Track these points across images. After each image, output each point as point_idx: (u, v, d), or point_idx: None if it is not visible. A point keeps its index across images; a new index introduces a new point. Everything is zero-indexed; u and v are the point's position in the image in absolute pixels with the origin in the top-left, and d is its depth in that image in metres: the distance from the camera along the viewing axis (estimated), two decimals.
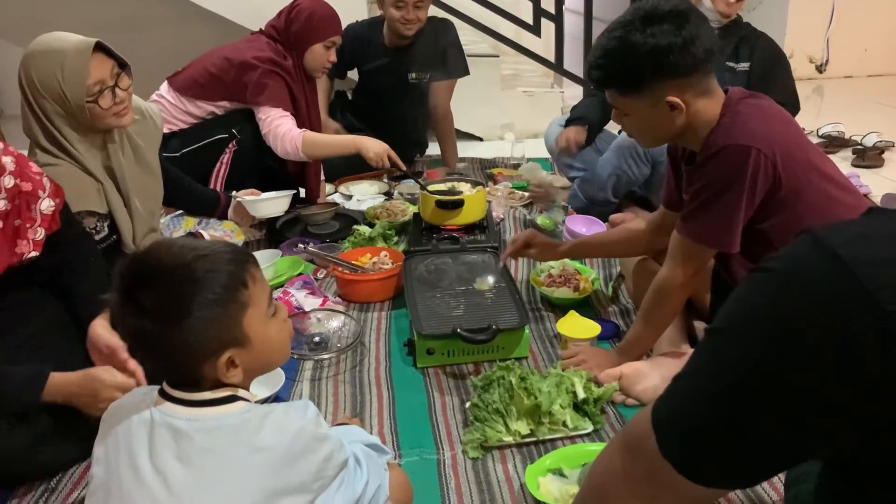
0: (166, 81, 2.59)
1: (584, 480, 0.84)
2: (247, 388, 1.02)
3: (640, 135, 1.56)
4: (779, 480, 1.33)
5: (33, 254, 1.46)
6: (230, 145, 2.53)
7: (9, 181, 1.41)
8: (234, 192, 2.36)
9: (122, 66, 1.77)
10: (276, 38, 2.56)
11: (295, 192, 2.46)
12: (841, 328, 0.55)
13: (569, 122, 2.81)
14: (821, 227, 0.59)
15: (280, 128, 2.47)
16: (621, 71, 1.43)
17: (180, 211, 2.38)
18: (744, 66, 2.58)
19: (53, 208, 1.50)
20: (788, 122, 1.48)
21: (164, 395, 0.98)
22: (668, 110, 1.44)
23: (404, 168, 2.57)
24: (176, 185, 2.15)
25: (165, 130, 2.51)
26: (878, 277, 0.54)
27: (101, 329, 1.45)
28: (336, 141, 2.65)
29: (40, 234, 1.48)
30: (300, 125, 2.54)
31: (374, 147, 2.49)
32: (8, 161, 1.42)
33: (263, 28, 2.61)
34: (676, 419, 0.67)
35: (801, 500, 0.99)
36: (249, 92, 2.47)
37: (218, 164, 2.54)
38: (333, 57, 2.61)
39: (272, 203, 2.34)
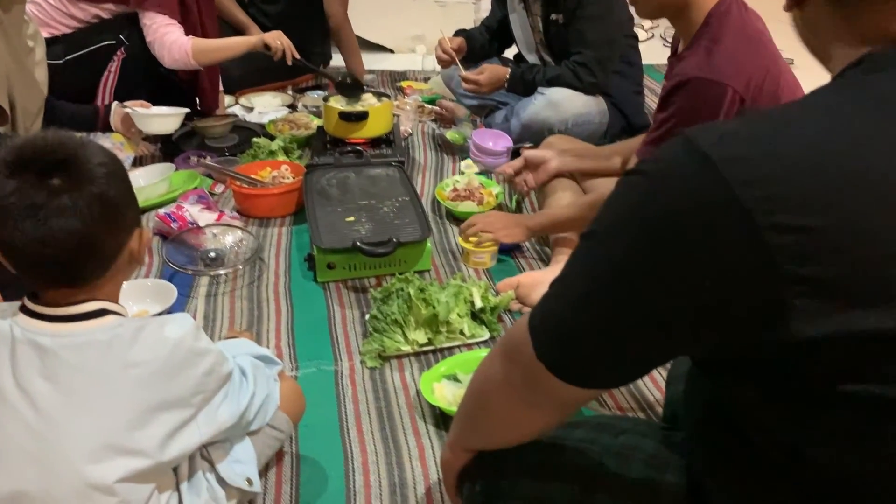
0: None
1: (468, 386, 0.84)
2: (116, 301, 0.96)
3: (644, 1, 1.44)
4: (661, 377, 1.40)
5: None
6: (118, 52, 2.34)
7: None
8: (117, 102, 2.19)
9: None
10: None
11: (188, 110, 2.29)
12: (705, 226, 0.55)
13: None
14: (692, 129, 0.59)
15: (167, 36, 2.29)
16: None
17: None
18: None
19: None
20: (768, 45, 1.42)
21: (26, 312, 0.92)
22: None
23: (302, 61, 2.44)
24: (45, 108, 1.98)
25: (46, 35, 2.30)
26: (741, 174, 0.54)
27: None
28: (227, 43, 2.45)
29: None
30: (192, 27, 2.37)
31: (268, 35, 2.37)
32: None
33: None
34: (550, 322, 0.67)
35: (677, 399, 1.04)
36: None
37: (105, 74, 2.35)
38: None
39: (162, 120, 2.18)
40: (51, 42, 2.28)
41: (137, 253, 0.95)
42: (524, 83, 2.42)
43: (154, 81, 2.44)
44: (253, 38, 2.40)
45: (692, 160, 0.57)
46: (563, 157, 1.92)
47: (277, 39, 2.37)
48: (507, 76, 2.42)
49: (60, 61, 2.28)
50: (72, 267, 0.89)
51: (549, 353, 0.66)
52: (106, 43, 2.32)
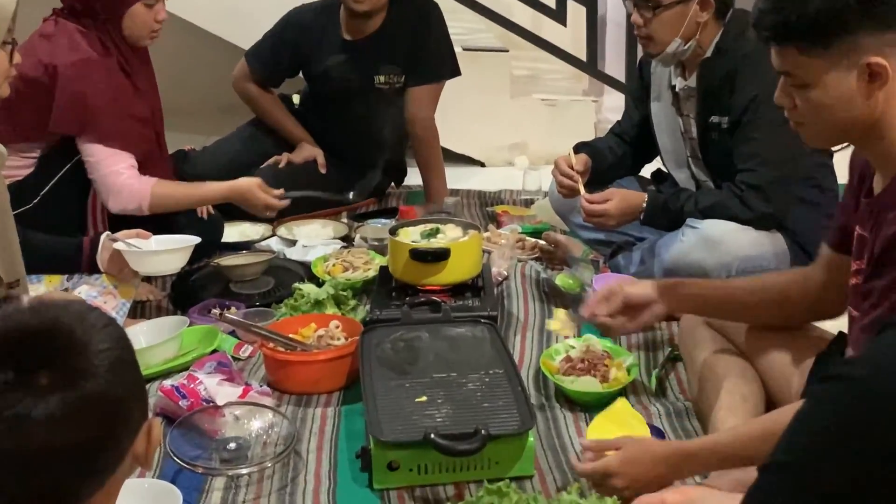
0: None
1: None
2: None
3: (815, 121, 1.53)
4: None
5: None
6: None
7: None
8: (106, 234, 2.30)
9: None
10: (79, 14, 2.50)
11: (199, 239, 2.38)
12: None
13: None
14: None
15: (118, 177, 2.45)
16: (810, 12, 1.43)
17: None
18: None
19: None
20: None
21: None
22: (864, 82, 1.43)
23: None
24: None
25: (9, 182, 2.50)
26: None
27: None
28: (199, 191, 2.68)
29: None
30: (143, 113, 2.56)
31: (254, 198, 2.63)
32: None
33: (61, 8, 2.54)
34: None
35: None
36: (76, 125, 2.45)
37: (90, 195, 2.53)
38: (162, 14, 2.57)
39: (163, 258, 2.28)
40: (16, 188, 2.40)
41: (143, 458, 0.99)
42: (668, 213, 2.46)
43: None
44: (235, 191, 2.64)
45: None
46: (676, 299, 1.89)
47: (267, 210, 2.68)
48: (644, 204, 2.47)
49: (35, 202, 2.45)
50: (59, 490, 0.92)
51: None
52: (76, 160, 2.48)
